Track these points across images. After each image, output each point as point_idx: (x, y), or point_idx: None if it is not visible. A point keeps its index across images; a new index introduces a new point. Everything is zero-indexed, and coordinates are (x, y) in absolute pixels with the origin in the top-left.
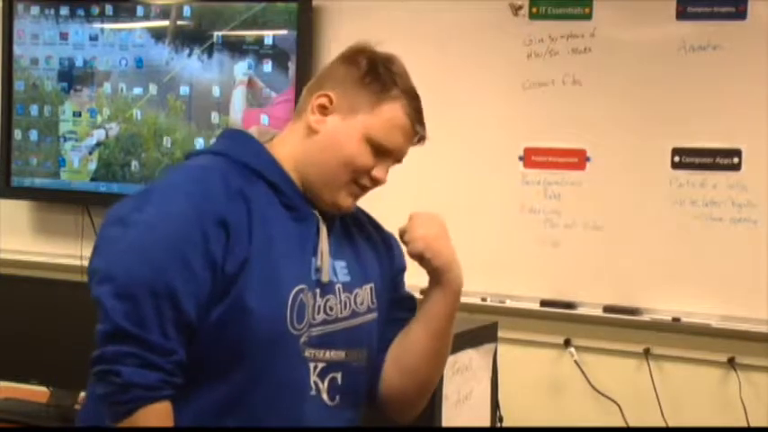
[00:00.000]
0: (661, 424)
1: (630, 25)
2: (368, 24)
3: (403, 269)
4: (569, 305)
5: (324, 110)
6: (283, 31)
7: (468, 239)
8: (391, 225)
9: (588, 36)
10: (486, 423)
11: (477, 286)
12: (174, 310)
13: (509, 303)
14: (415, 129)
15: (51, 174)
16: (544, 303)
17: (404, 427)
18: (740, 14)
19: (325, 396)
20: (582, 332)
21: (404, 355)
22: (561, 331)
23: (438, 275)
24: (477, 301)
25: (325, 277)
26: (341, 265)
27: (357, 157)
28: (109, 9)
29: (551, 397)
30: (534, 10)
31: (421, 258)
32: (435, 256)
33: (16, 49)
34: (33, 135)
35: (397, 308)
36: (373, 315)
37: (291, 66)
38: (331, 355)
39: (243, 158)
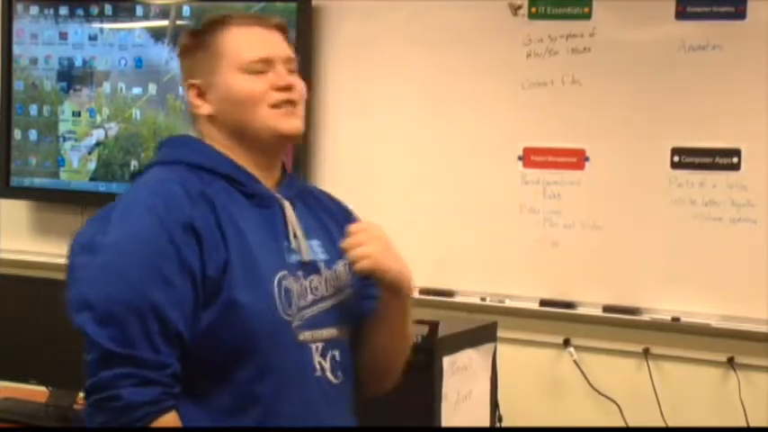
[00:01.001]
0: (660, 424)
1: (630, 25)
2: (367, 24)
3: None
4: (569, 305)
5: (201, 96)
6: None
7: (467, 239)
8: (392, 226)
9: (588, 36)
10: (486, 423)
11: (476, 286)
12: (160, 323)
13: (508, 303)
14: (260, 23)
15: (50, 173)
16: (543, 303)
17: (404, 427)
18: (740, 14)
19: (329, 375)
20: (581, 332)
21: (366, 346)
22: (560, 331)
23: (390, 288)
24: (477, 300)
25: (305, 256)
26: (316, 243)
27: (251, 89)
28: (108, 9)
29: (551, 397)
30: (533, 10)
31: (371, 275)
32: (386, 272)
33: (15, 49)
34: (33, 135)
35: (366, 283)
36: (351, 290)
37: None
38: (326, 333)
39: (195, 160)
